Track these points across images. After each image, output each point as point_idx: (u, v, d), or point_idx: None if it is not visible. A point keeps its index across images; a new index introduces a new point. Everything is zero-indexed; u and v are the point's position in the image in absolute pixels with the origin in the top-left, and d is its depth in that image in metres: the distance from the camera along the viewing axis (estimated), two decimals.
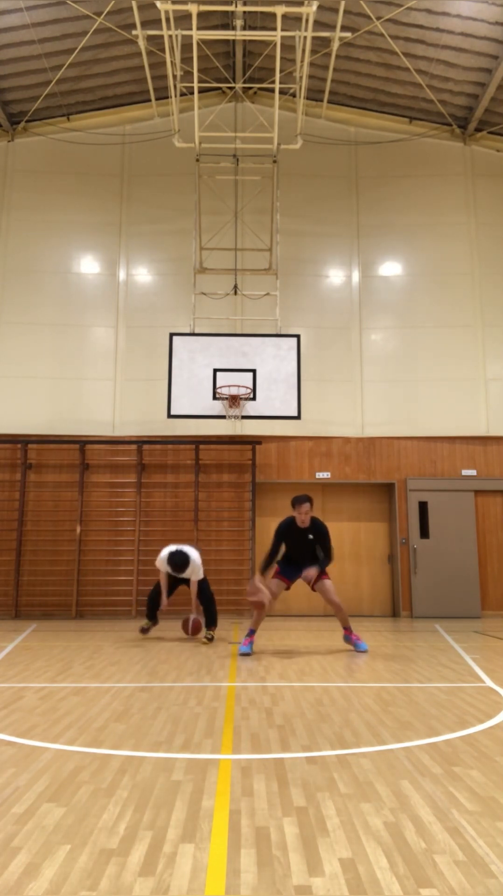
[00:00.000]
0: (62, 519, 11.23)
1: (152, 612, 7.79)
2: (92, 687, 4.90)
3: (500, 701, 4.45)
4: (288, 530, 6.79)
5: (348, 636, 7.02)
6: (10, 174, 12.43)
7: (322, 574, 6.80)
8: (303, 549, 6.83)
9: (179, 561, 7.37)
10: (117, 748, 3.32)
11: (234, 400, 9.51)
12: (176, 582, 7.77)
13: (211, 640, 7.46)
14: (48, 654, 6.63)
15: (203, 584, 7.62)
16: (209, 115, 12.07)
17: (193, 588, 7.56)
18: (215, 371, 9.72)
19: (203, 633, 7.68)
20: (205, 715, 4.03)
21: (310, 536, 6.77)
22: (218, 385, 9.65)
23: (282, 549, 6.90)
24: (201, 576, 7.56)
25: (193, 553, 7.58)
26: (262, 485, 11.52)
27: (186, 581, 7.67)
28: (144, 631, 7.89)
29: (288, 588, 6.90)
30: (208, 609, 7.61)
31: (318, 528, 6.81)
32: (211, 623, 7.61)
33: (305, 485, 11.56)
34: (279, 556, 6.86)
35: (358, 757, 3.18)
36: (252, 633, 6.75)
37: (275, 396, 9.69)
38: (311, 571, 6.73)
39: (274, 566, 6.78)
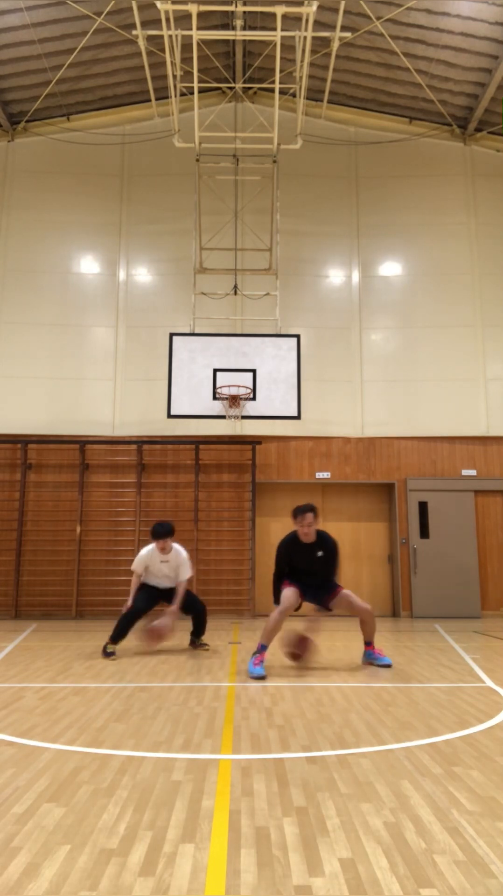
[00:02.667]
0: (62, 519, 11.23)
1: (122, 633, 6.51)
2: (92, 687, 4.90)
3: (500, 701, 4.45)
4: (292, 548, 5.77)
5: (370, 652, 5.95)
6: (10, 174, 12.42)
7: (337, 587, 5.84)
8: (312, 570, 5.78)
9: (163, 529, 6.61)
10: (117, 748, 3.32)
11: (233, 400, 9.51)
12: (154, 597, 6.74)
13: (206, 646, 7.00)
14: (48, 654, 6.63)
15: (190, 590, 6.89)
16: (209, 115, 12.06)
17: (181, 589, 6.66)
18: (215, 371, 9.72)
19: (193, 640, 7.02)
20: (205, 715, 4.03)
21: (320, 553, 5.73)
22: (218, 385, 9.65)
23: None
24: (189, 573, 6.76)
25: (180, 547, 6.82)
26: (262, 485, 11.52)
27: (168, 597, 6.73)
28: (108, 655, 6.40)
29: (299, 607, 5.80)
30: (200, 616, 6.92)
31: (327, 544, 5.79)
32: (201, 630, 7.01)
33: (305, 485, 11.56)
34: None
35: (358, 757, 3.18)
36: (264, 648, 5.64)
37: (275, 396, 9.69)
38: (326, 603, 5.75)
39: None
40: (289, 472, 11.52)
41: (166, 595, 6.76)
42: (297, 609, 5.75)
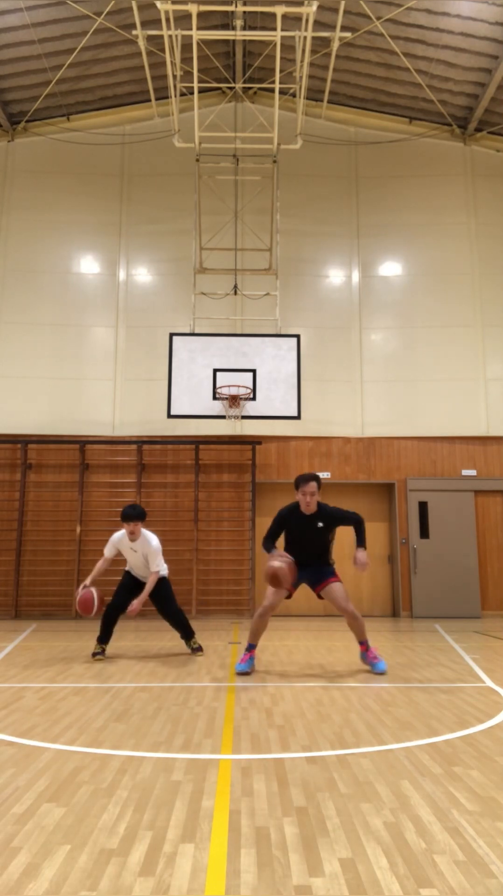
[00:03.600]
0: (62, 519, 11.23)
1: (106, 631, 6.32)
2: (92, 687, 4.90)
3: (500, 701, 4.45)
4: (290, 517, 5.61)
5: (364, 654, 5.71)
6: (10, 174, 12.43)
7: (331, 577, 5.60)
8: (309, 543, 5.60)
9: (132, 511, 6.19)
10: (117, 748, 3.32)
11: (233, 400, 9.51)
12: (133, 589, 6.39)
13: (200, 648, 6.58)
14: (48, 654, 6.62)
15: (165, 587, 6.38)
16: (209, 115, 12.06)
17: (149, 580, 6.25)
18: (215, 371, 9.72)
19: (186, 646, 6.61)
20: (205, 715, 4.03)
21: (320, 524, 5.55)
22: (218, 385, 9.65)
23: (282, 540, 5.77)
24: (159, 567, 6.27)
25: (151, 535, 6.37)
26: (262, 485, 11.52)
27: (142, 589, 6.32)
28: (95, 655, 6.24)
29: (289, 596, 5.62)
30: (178, 619, 6.47)
31: (328, 513, 5.57)
32: (189, 633, 6.56)
33: None
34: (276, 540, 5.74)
35: (358, 757, 3.18)
36: (252, 647, 5.59)
37: (275, 396, 9.69)
38: (360, 557, 5.45)
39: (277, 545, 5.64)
40: (289, 472, 11.52)
41: (141, 587, 6.39)
42: (289, 597, 5.63)
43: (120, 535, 6.40)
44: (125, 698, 4.50)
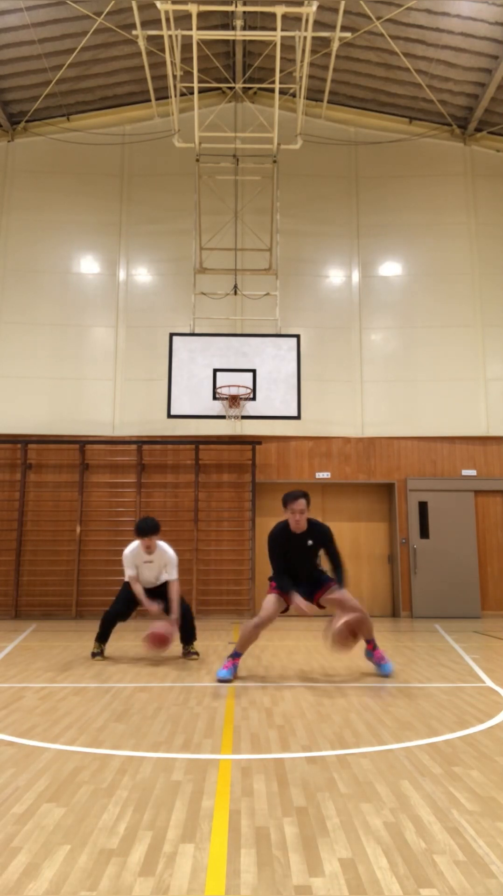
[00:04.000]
0: (62, 519, 11.23)
1: (104, 634, 6.32)
2: (92, 687, 4.90)
3: (500, 701, 4.45)
4: (282, 539, 5.32)
5: (370, 652, 5.54)
6: (10, 174, 12.43)
7: (329, 581, 5.37)
8: (302, 561, 5.37)
9: (148, 526, 6.05)
10: (117, 748, 3.32)
11: (233, 400, 9.51)
12: (134, 599, 6.25)
13: (196, 654, 6.33)
14: (48, 654, 6.63)
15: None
16: (209, 115, 12.06)
17: (174, 591, 6.16)
18: (215, 371, 9.72)
19: (183, 648, 6.39)
20: (205, 715, 4.03)
21: (310, 542, 5.34)
22: (218, 385, 9.65)
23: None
24: (175, 575, 6.24)
25: (166, 545, 6.31)
26: (262, 485, 11.52)
27: (150, 596, 6.22)
28: (94, 655, 6.27)
29: (286, 610, 5.36)
30: (186, 621, 6.23)
31: (319, 531, 5.37)
32: (192, 637, 6.35)
33: (305, 485, 11.54)
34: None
35: (358, 757, 3.18)
36: (238, 655, 5.34)
37: (275, 396, 9.69)
38: (334, 595, 5.23)
39: (289, 582, 5.29)
40: (289, 472, 11.52)
41: (150, 594, 6.23)
42: (284, 611, 5.33)
43: (133, 549, 6.17)
44: (125, 698, 4.50)
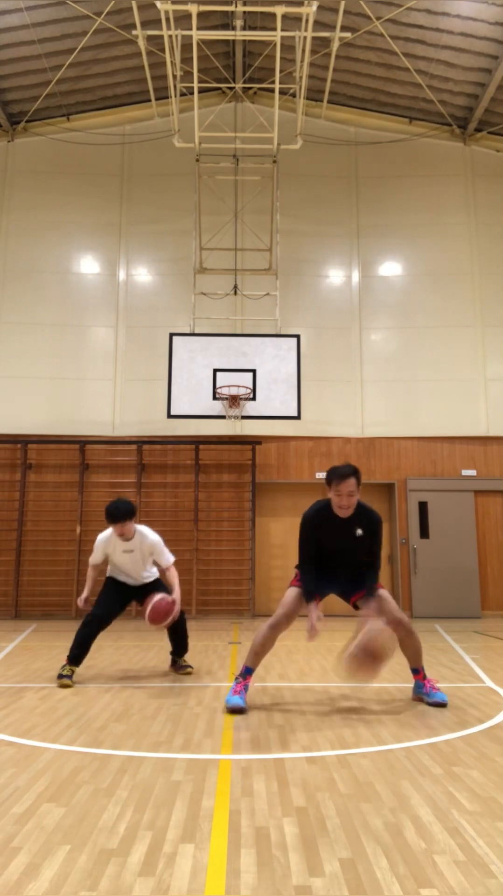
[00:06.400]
0: (62, 519, 11.23)
1: (82, 649, 5.13)
2: (92, 687, 4.90)
3: (500, 701, 4.45)
4: (318, 520, 4.23)
5: (421, 685, 4.38)
6: (10, 174, 12.43)
7: (362, 589, 4.29)
8: (344, 555, 4.27)
9: (119, 510, 5.14)
10: (117, 748, 3.32)
11: (233, 400, 9.52)
12: (122, 600, 5.37)
13: (189, 668, 5.54)
14: (48, 654, 6.62)
15: (163, 585, 5.44)
16: (209, 115, 12.06)
17: (173, 577, 5.29)
18: (215, 371, 9.72)
19: (174, 661, 5.61)
20: (205, 715, 4.03)
21: (359, 532, 4.20)
22: (218, 385, 9.65)
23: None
24: (169, 559, 5.34)
25: (146, 528, 5.38)
26: (262, 485, 11.52)
27: (139, 595, 5.34)
28: (61, 678, 4.98)
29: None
30: (179, 629, 5.43)
31: (370, 519, 4.23)
32: (184, 649, 5.58)
33: (305, 485, 11.55)
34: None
35: (358, 757, 3.18)
36: (249, 672, 4.27)
37: (275, 396, 9.69)
38: (369, 605, 4.16)
39: (317, 585, 4.23)
40: (289, 472, 11.52)
41: (139, 594, 5.35)
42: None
43: (105, 536, 5.30)
44: (125, 698, 4.50)
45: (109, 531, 5.28)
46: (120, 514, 5.12)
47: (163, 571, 5.36)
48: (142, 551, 5.27)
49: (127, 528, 5.17)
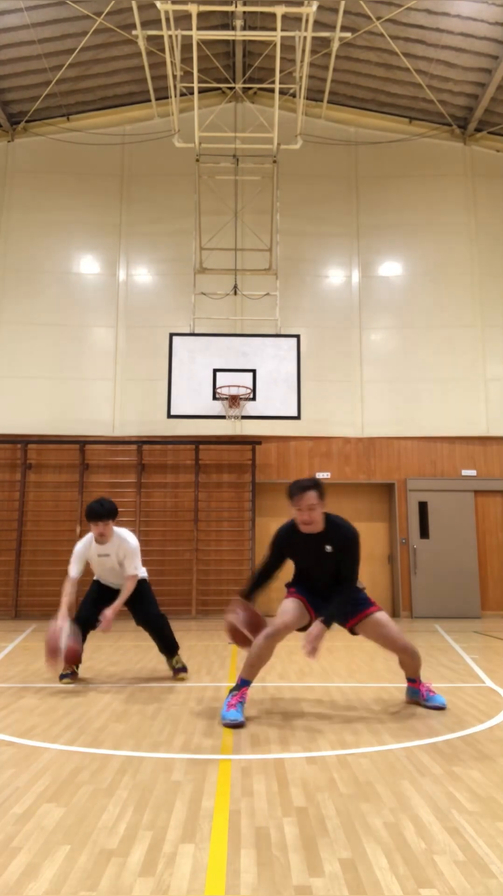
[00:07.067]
0: (62, 519, 11.23)
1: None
2: (92, 687, 4.90)
3: (500, 701, 4.45)
4: (290, 539, 4.12)
5: (416, 690, 4.33)
6: (10, 174, 12.43)
7: (368, 606, 4.17)
8: (321, 572, 4.14)
9: (101, 508, 4.98)
10: (117, 748, 3.32)
11: (233, 400, 9.51)
12: (102, 599, 5.16)
13: (184, 669, 5.30)
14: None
15: (144, 588, 5.19)
16: (209, 115, 12.06)
17: (126, 587, 5.04)
18: (215, 371, 9.72)
19: (168, 663, 5.34)
20: (205, 715, 4.03)
21: (328, 549, 4.05)
22: (218, 385, 9.65)
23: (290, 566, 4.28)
24: (137, 570, 5.08)
25: (127, 533, 5.18)
26: (262, 485, 11.52)
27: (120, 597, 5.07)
28: (63, 678, 5.05)
29: (309, 624, 4.12)
30: (158, 627, 5.18)
31: (341, 535, 4.07)
32: (173, 647, 5.27)
33: None
34: (271, 580, 4.19)
35: (358, 757, 3.18)
36: (245, 684, 4.00)
37: (275, 396, 9.69)
38: (313, 632, 3.92)
39: (263, 591, 4.19)
40: (289, 472, 11.52)
41: (116, 595, 5.13)
42: (305, 627, 4.13)
43: (84, 543, 5.15)
44: (125, 698, 4.50)
45: (88, 538, 5.13)
46: (104, 511, 4.97)
47: (127, 576, 5.08)
48: (117, 555, 5.08)
49: (107, 529, 5.02)
